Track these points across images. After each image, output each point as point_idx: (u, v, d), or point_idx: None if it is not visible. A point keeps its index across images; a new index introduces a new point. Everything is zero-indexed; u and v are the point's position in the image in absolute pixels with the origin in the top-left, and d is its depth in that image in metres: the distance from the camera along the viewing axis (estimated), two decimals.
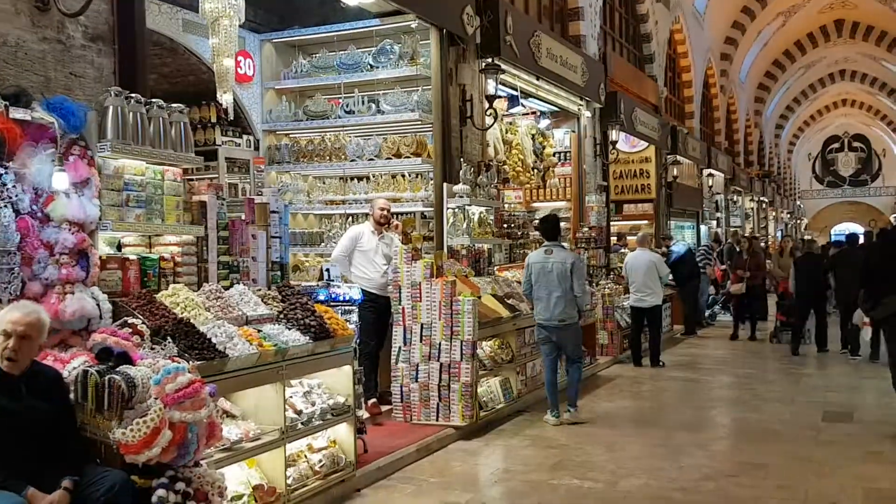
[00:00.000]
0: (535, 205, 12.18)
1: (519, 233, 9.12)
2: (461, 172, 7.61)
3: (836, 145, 48.75)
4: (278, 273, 5.08)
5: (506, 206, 9.18)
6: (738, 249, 14.05)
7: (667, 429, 6.79)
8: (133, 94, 4.11)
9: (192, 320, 3.96)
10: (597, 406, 7.61)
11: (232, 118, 7.31)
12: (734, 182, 24.27)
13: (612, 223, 15.87)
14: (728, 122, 25.46)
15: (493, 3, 8.26)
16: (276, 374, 4.23)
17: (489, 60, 8.14)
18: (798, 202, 46.67)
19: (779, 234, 32.45)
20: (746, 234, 17.00)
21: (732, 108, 25.67)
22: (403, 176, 7.88)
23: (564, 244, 7.75)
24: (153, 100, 4.24)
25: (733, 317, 12.96)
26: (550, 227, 7.01)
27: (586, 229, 11.59)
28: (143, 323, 3.70)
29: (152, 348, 3.59)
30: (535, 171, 11.03)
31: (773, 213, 35.20)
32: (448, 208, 7.64)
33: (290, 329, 4.48)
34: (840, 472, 5.42)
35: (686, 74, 19.30)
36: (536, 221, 10.83)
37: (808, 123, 43.38)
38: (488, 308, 6.95)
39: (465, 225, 7.57)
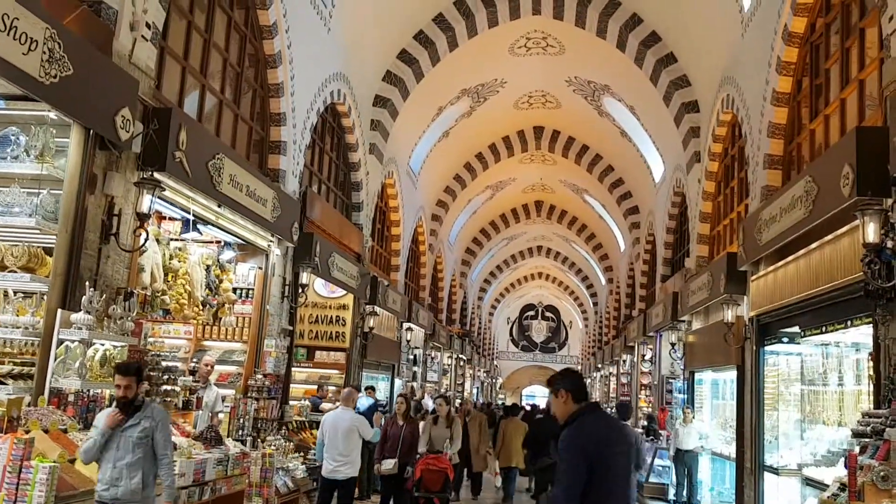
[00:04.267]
0: (206, 343, 10.85)
1: (164, 377, 7.71)
2: (85, 299, 6.21)
3: (532, 313, 53.27)
4: None
5: (150, 341, 7.78)
6: (390, 413, 10.87)
7: None
8: None
9: None
10: None
11: None
12: (434, 338, 24.74)
13: (303, 370, 14.98)
14: (434, 279, 26.31)
15: (163, 113, 7.27)
16: None
17: (149, 174, 7.04)
18: (495, 362, 49.55)
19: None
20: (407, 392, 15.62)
21: (439, 267, 26.66)
22: (6, 294, 6.28)
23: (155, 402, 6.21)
24: None
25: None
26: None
27: (260, 377, 10.45)
28: None
29: None
30: (207, 306, 9.84)
31: (471, 371, 36.66)
32: (62, 341, 6.15)
33: None
34: None
35: (395, 228, 19.58)
36: (194, 363, 9.56)
37: (509, 290, 46.99)
38: (81, 476, 5.43)
39: (77, 363, 6.10)
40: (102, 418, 5.24)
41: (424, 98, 17.11)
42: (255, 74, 10.76)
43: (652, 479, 14.30)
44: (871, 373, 6.70)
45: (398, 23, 15.00)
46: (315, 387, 14.49)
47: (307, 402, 13.12)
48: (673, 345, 15.74)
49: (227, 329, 10.65)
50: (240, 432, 9.46)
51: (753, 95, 10.85)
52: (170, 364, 7.78)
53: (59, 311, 6.15)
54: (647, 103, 16.43)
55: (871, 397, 6.75)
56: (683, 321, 14.99)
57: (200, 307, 9.43)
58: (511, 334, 53.22)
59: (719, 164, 13.77)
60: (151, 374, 7.53)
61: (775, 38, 9.83)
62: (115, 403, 5.31)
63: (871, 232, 6.10)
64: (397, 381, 19.71)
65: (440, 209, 24.08)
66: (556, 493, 3.92)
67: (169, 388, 7.75)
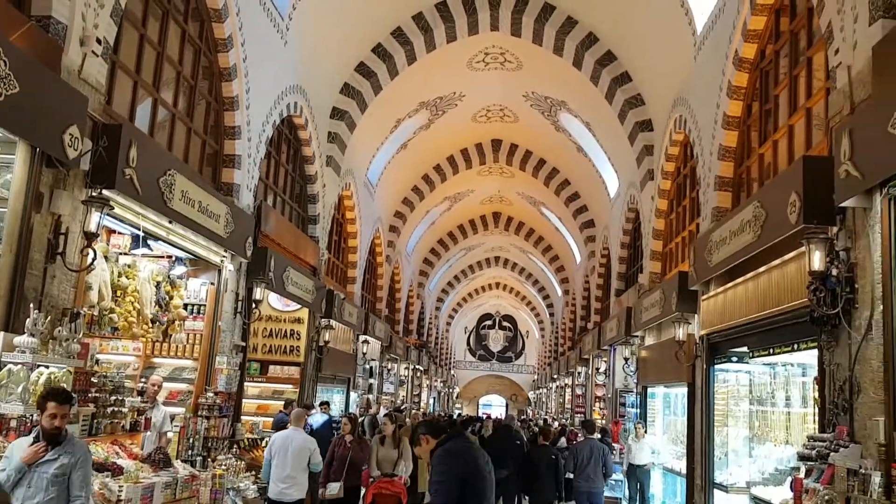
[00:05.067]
0: (155, 360, 10.62)
1: (111, 399, 7.51)
2: (29, 321, 6.04)
3: (489, 322, 53.44)
4: None
5: (98, 363, 7.57)
6: (339, 432, 10.05)
7: None
8: None
9: None
10: None
11: None
12: (391, 349, 24.63)
13: (256, 384, 14.77)
14: (392, 290, 26.22)
15: (113, 130, 7.12)
16: None
17: (97, 192, 6.88)
18: (452, 371, 49.55)
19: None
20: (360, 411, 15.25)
21: (397, 278, 26.59)
22: None
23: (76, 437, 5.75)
24: None
25: None
26: None
27: (211, 394, 10.27)
28: None
29: None
30: (157, 323, 9.64)
31: (428, 381, 36.59)
32: (4, 364, 5.96)
33: None
34: None
35: (352, 240, 19.48)
36: (143, 382, 9.34)
37: (467, 300, 47.08)
38: None
39: (20, 388, 5.91)
40: (18, 449, 4.75)
41: (383, 110, 17.08)
42: (210, 87, 10.62)
43: (605, 493, 14.41)
44: (817, 396, 6.86)
45: (356, 36, 14.96)
46: (273, 402, 14.29)
47: (273, 419, 12.91)
48: (626, 359, 15.92)
49: (177, 346, 10.43)
50: (189, 452, 9.28)
51: (705, 118, 11.06)
52: (118, 383, 7.58)
53: (2, 333, 5.97)
54: (603, 120, 16.64)
55: (817, 420, 6.90)
56: (637, 336, 15.18)
57: (150, 324, 9.24)
58: (468, 344, 53.31)
59: (672, 182, 14.01)
60: (98, 395, 7.34)
61: (726, 62, 10.04)
62: (41, 435, 4.76)
63: (817, 260, 6.25)
64: (353, 395, 19.57)
65: (398, 220, 24.03)
66: (435, 501, 4.71)
67: (116, 409, 7.56)
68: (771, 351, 8.18)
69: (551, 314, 38.12)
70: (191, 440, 9.43)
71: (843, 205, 6.01)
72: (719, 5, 10.43)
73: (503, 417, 26.01)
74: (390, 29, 15.37)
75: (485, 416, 32.18)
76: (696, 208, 12.02)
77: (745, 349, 9.10)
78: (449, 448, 4.95)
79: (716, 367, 10.26)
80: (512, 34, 15.74)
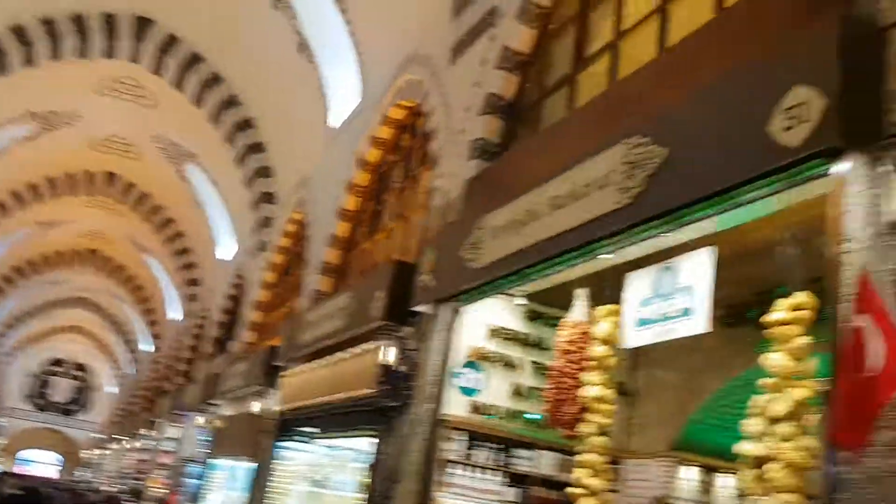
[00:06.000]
0: None
1: None
2: None
3: (59, 369, 47.83)
4: None
5: None
6: None
7: None
8: None
9: None
10: None
11: None
12: None
13: None
14: None
15: None
16: None
17: None
18: (2, 419, 43.05)
19: None
20: None
21: None
22: None
23: None
24: None
25: None
26: None
27: None
28: None
29: None
30: None
31: None
32: None
33: None
34: None
35: None
36: None
37: (38, 339, 41.76)
38: None
39: None
40: None
41: None
42: None
43: None
44: (368, 482, 7.31)
45: None
46: None
47: None
48: (201, 427, 15.39)
49: None
50: None
51: (324, 205, 11.61)
52: None
53: None
54: (230, 182, 16.53)
55: None
56: (216, 405, 14.80)
57: None
58: (28, 389, 46.88)
59: (284, 257, 14.30)
60: None
61: (352, 160, 10.74)
62: None
63: (388, 354, 6.82)
64: None
65: None
66: None
67: None
68: (338, 434, 8.57)
69: (136, 370, 35.50)
70: None
71: (417, 309, 6.69)
72: (359, 109, 11.15)
73: (46, 478, 23.39)
74: (9, 24, 13.60)
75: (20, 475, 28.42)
76: (300, 287, 12.37)
77: (315, 430, 9.39)
78: None
79: (282, 443, 10.39)
80: (153, 72, 15.03)
